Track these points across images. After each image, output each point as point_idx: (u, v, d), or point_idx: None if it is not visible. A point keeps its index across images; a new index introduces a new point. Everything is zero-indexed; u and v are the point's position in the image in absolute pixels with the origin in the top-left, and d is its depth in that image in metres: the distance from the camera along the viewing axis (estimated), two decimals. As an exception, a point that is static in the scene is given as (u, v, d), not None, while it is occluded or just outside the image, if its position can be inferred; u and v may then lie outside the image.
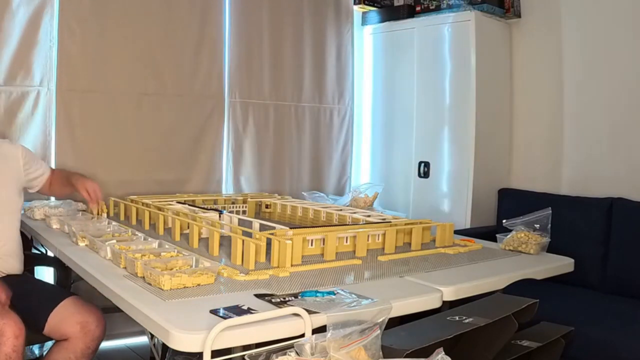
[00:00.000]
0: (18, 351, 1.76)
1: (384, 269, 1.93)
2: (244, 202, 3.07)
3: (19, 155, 2.31)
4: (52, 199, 2.95)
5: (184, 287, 1.58)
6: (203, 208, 2.54)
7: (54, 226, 2.47)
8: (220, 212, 2.36)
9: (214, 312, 1.38)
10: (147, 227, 2.49)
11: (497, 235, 2.44)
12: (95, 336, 1.95)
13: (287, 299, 1.49)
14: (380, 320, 1.26)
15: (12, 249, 2.20)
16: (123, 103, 3.17)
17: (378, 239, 2.22)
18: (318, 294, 1.53)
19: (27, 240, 2.57)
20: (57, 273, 2.63)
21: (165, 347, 2.14)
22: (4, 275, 2.14)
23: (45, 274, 2.84)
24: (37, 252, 2.67)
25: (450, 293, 1.70)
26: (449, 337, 1.33)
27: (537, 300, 1.61)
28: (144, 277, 1.65)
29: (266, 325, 1.32)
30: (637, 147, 3.13)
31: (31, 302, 1.98)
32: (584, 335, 2.09)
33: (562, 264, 2.25)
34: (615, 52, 3.21)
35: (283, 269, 1.81)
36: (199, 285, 1.61)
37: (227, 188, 3.58)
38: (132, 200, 2.77)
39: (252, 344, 1.33)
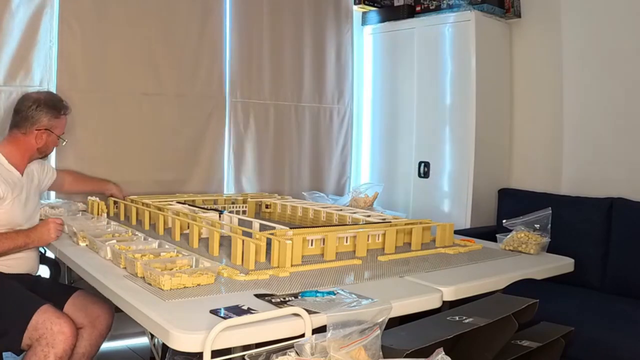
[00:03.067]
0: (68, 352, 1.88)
1: (384, 269, 1.93)
2: (244, 202, 3.07)
3: None
4: (52, 199, 2.95)
5: (184, 287, 1.58)
6: (203, 208, 2.54)
7: (54, 226, 2.46)
8: (221, 212, 2.36)
9: (214, 312, 1.38)
10: (147, 227, 2.49)
11: (497, 235, 2.44)
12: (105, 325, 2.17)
13: (287, 299, 1.49)
14: (380, 320, 1.26)
15: (35, 249, 2.26)
16: (123, 103, 3.16)
17: (378, 239, 2.22)
18: (318, 294, 1.53)
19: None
20: (51, 272, 2.66)
21: (165, 347, 2.14)
22: (24, 274, 2.19)
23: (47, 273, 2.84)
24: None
25: (450, 293, 1.70)
26: (449, 337, 1.33)
27: (537, 300, 1.61)
28: (144, 277, 1.65)
29: (266, 325, 1.32)
30: (637, 147, 3.13)
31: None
32: (584, 335, 2.09)
33: (562, 264, 2.26)
34: (615, 52, 3.21)
35: (283, 269, 1.81)
36: (199, 285, 1.61)
37: (227, 188, 3.58)
38: (132, 200, 2.77)
39: (252, 344, 1.33)
